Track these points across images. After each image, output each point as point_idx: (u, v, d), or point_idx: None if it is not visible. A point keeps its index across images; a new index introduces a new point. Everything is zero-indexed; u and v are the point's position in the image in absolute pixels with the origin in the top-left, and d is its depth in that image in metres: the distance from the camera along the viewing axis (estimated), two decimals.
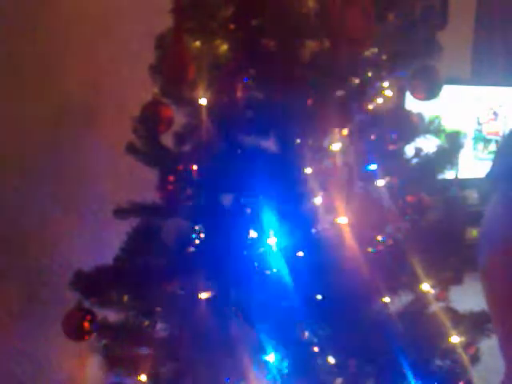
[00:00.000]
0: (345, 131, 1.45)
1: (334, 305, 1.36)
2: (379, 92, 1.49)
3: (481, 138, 3.22)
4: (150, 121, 1.49)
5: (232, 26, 1.39)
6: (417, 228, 1.51)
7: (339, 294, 1.36)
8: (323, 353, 1.41)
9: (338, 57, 1.27)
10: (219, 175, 1.42)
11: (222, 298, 1.42)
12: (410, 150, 1.52)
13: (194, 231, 1.51)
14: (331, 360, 1.40)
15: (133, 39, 2.09)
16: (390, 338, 1.37)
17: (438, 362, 1.46)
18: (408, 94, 1.51)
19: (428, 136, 1.51)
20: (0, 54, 1.97)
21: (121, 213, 1.51)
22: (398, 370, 1.37)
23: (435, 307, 1.49)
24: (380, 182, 1.44)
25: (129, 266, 1.51)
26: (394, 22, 1.43)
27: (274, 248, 1.40)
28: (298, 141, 1.44)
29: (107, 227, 2.12)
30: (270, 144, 1.46)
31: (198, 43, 1.43)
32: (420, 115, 1.53)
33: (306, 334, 1.44)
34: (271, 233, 1.40)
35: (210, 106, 1.42)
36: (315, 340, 1.43)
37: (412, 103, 1.58)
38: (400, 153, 1.52)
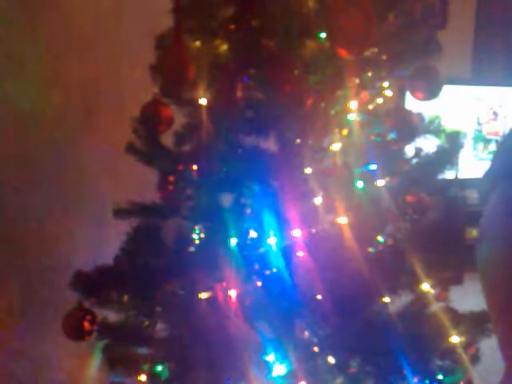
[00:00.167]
0: (345, 131, 1.45)
1: (334, 305, 1.36)
2: (379, 92, 1.50)
3: (481, 138, 3.22)
4: (150, 121, 1.49)
5: (232, 26, 1.39)
6: (417, 228, 1.51)
7: (339, 293, 1.36)
8: (323, 353, 1.41)
9: (338, 57, 1.27)
10: (219, 175, 1.42)
11: (221, 298, 1.42)
12: (409, 150, 1.52)
13: (194, 231, 1.51)
14: (331, 360, 1.40)
15: (133, 39, 2.09)
16: (390, 337, 1.37)
17: (438, 362, 1.46)
18: (408, 94, 1.51)
19: (428, 136, 1.51)
20: (0, 54, 1.97)
21: (121, 213, 1.51)
22: (398, 370, 1.37)
23: (435, 307, 1.49)
24: (380, 182, 1.44)
25: (129, 266, 1.51)
26: (394, 22, 1.43)
27: (274, 248, 1.40)
28: (298, 141, 1.44)
29: (107, 227, 2.12)
30: (270, 144, 1.46)
31: (197, 43, 1.43)
32: (420, 115, 1.53)
33: (306, 333, 1.44)
34: (271, 233, 1.40)
35: (209, 106, 1.42)
36: (315, 340, 1.43)
37: (412, 103, 1.58)
38: (400, 153, 1.52)
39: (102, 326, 1.56)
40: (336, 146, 1.43)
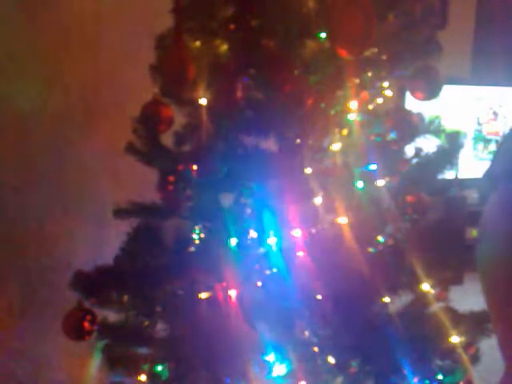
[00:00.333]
0: (345, 131, 1.45)
1: (334, 305, 1.36)
2: (379, 92, 1.49)
3: (481, 138, 3.22)
4: (150, 121, 1.49)
5: (232, 26, 1.39)
6: (417, 228, 1.51)
7: (339, 293, 1.36)
8: (323, 353, 1.41)
9: (338, 57, 1.27)
10: (219, 175, 1.42)
11: (221, 298, 1.42)
12: (409, 150, 1.52)
13: (194, 231, 1.51)
14: (331, 360, 1.40)
15: (133, 39, 2.09)
16: (390, 337, 1.37)
17: (438, 362, 1.46)
18: (408, 94, 1.51)
19: (428, 136, 1.51)
20: (0, 55, 1.97)
21: (121, 213, 1.51)
22: (398, 370, 1.37)
23: (435, 307, 1.49)
24: (380, 182, 1.44)
25: (129, 266, 1.51)
26: (394, 22, 1.43)
27: (274, 248, 1.40)
28: (298, 141, 1.44)
29: (107, 227, 2.12)
30: (270, 144, 1.46)
31: (198, 43, 1.43)
32: (420, 115, 1.53)
33: (306, 333, 1.44)
34: (271, 233, 1.40)
35: (209, 106, 1.42)
36: (315, 340, 1.43)
37: (412, 103, 1.58)
38: (400, 153, 1.52)
39: (102, 326, 1.56)
40: (336, 146, 1.43)
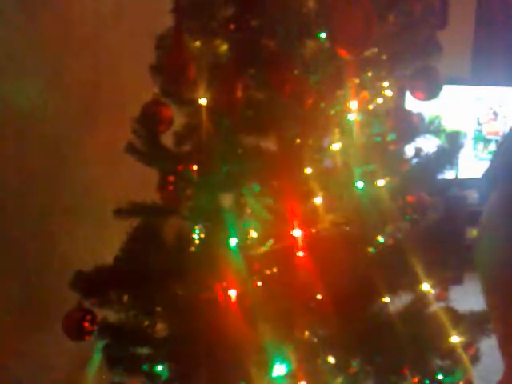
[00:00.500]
0: (345, 131, 1.45)
1: (334, 305, 1.36)
2: (379, 92, 1.49)
3: (481, 138, 3.22)
4: (149, 121, 1.49)
5: (232, 26, 1.39)
6: (417, 228, 1.51)
7: (339, 293, 1.36)
8: (323, 353, 1.41)
9: (338, 57, 1.27)
10: (219, 175, 1.42)
11: (221, 298, 1.42)
12: (409, 150, 1.52)
13: (194, 231, 1.51)
14: (331, 360, 1.40)
15: (133, 39, 2.09)
16: (390, 337, 1.37)
17: (438, 362, 1.46)
18: (408, 94, 1.51)
19: (428, 136, 1.51)
20: (0, 55, 1.97)
21: (121, 213, 1.51)
22: (398, 370, 1.37)
23: (435, 307, 1.49)
24: (380, 182, 1.44)
25: (129, 266, 1.51)
26: (394, 22, 1.43)
27: (274, 248, 1.40)
28: (298, 141, 1.44)
29: (107, 227, 2.12)
30: (270, 144, 1.46)
31: (198, 43, 1.43)
32: (420, 115, 1.53)
33: (306, 333, 1.44)
34: (271, 233, 1.40)
35: (209, 106, 1.42)
36: (315, 340, 1.43)
37: (412, 103, 1.58)
38: (400, 153, 1.52)
39: (102, 326, 1.56)
40: (336, 146, 1.43)
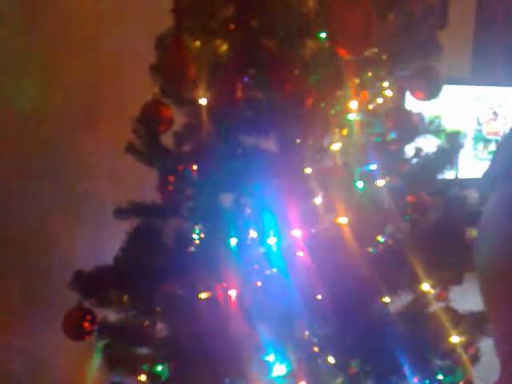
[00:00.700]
0: (345, 131, 1.45)
1: (334, 305, 1.36)
2: (379, 92, 1.49)
3: (481, 138, 3.22)
4: (149, 121, 1.49)
5: (232, 26, 1.39)
6: (417, 228, 1.51)
7: (339, 293, 1.36)
8: (323, 353, 1.41)
9: (338, 57, 1.27)
10: (219, 175, 1.42)
11: (221, 298, 1.42)
12: (409, 150, 1.52)
13: (194, 231, 1.51)
14: (331, 360, 1.40)
15: (133, 39, 2.09)
16: (390, 337, 1.37)
17: (438, 362, 1.46)
18: (408, 94, 1.51)
19: (428, 136, 1.51)
20: (0, 55, 1.97)
21: (121, 213, 1.51)
22: (398, 370, 1.37)
23: (435, 307, 1.49)
24: (380, 182, 1.44)
25: (129, 266, 1.51)
26: (394, 22, 1.43)
27: (274, 248, 1.40)
28: (298, 141, 1.44)
29: (107, 227, 2.12)
30: (270, 144, 1.46)
31: (198, 43, 1.43)
32: (420, 115, 1.53)
33: (306, 333, 1.44)
34: (271, 233, 1.40)
35: (209, 106, 1.42)
36: (315, 340, 1.43)
37: (412, 103, 1.58)
38: (400, 153, 1.52)
39: (102, 326, 1.56)
40: (336, 146, 1.43)
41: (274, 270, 1.42)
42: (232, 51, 1.41)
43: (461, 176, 2.59)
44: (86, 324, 1.54)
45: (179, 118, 1.53)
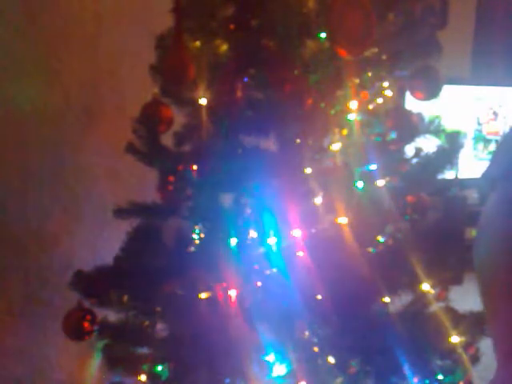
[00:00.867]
0: (345, 131, 1.45)
1: (334, 305, 1.36)
2: (379, 92, 1.49)
3: (481, 138, 3.22)
4: (150, 121, 1.49)
5: (232, 26, 1.39)
6: (417, 228, 1.51)
7: (339, 293, 1.36)
8: (323, 353, 1.41)
9: (338, 57, 1.27)
10: (219, 175, 1.42)
11: (221, 298, 1.42)
12: (409, 150, 1.52)
13: (194, 231, 1.51)
14: (331, 360, 1.40)
15: (133, 39, 2.09)
16: (390, 337, 1.37)
17: (438, 362, 1.46)
18: (408, 94, 1.51)
19: (428, 136, 1.51)
20: (0, 55, 1.97)
21: (121, 213, 1.51)
22: (398, 370, 1.37)
23: (435, 307, 1.49)
24: (380, 182, 1.44)
25: (129, 266, 1.51)
26: (394, 22, 1.43)
27: (274, 248, 1.40)
28: (298, 141, 1.44)
29: (107, 227, 2.12)
30: (270, 144, 1.46)
31: (198, 43, 1.43)
32: (420, 115, 1.53)
33: (306, 333, 1.44)
34: (271, 233, 1.40)
35: (209, 106, 1.42)
36: (315, 340, 1.43)
37: (412, 103, 1.58)
38: (400, 153, 1.52)
39: (102, 326, 1.56)
40: (336, 146, 1.43)
41: (274, 270, 1.42)
42: (232, 51, 1.41)
43: (461, 176, 2.59)
44: (86, 324, 1.54)
45: (179, 118, 1.53)
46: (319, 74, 1.38)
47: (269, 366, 1.41)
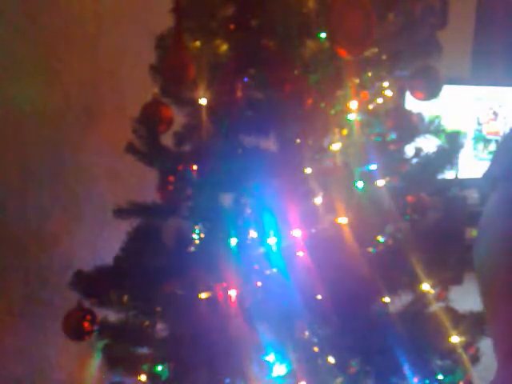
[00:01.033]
0: (345, 131, 1.45)
1: (334, 305, 1.36)
2: (379, 92, 1.49)
3: (481, 138, 3.22)
4: (150, 121, 1.49)
5: (232, 26, 1.39)
6: (417, 228, 1.51)
7: (339, 294, 1.36)
8: (323, 353, 1.41)
9: (338, 57, 1.27)
10: (219, 175, 1.42)
11: (221, 298, 1.42)
12: (409, 150, 1.52)
13: (194, 231, 1.51)
14: (331, 360, 1.40)
15: (133, 39, 2.09)
16: (390, 337, 1.37)
17: (438, 362, 1.46)
18: (408, 94, 1.51)
19: (428, 136, 1.51)
20: (0, 55, 1.97)
21: (121, 213, 1.51)
22: (398, 370, 1.37)
23: (435, 307, 1.49)
24: (380, 182, 1.44)
25: (129, 266, 1.51)
26: (394, 22, 1.43)
27: (274, 248, 1.40)
28: (298, 141, 1.44)
29: (107, 227, 2.12)
30: (269, 144, 1.46)
31: (198, 43, 1.43)
32: (420, 115, 1.53)
33: (306, 333, 1.44)
34: (271, 233, 1.40)
35: (209, 106, 1.42)
36: (315, 340, 1.43)
37: (412, 103, 1.58)
38: (400, 153, 1.52)
39: (102, 326, 1.56)
40: (336, 146, 1.43)
41: (274, 270, 1.42)
42: (232, 51, 1.41)
43: (461, 176, 2.59)
44: (86, 324, 1.54)
45: (179, 118, 1.53)
46: (319, 74, 1.38)
47: (269, 366, 1.41)
